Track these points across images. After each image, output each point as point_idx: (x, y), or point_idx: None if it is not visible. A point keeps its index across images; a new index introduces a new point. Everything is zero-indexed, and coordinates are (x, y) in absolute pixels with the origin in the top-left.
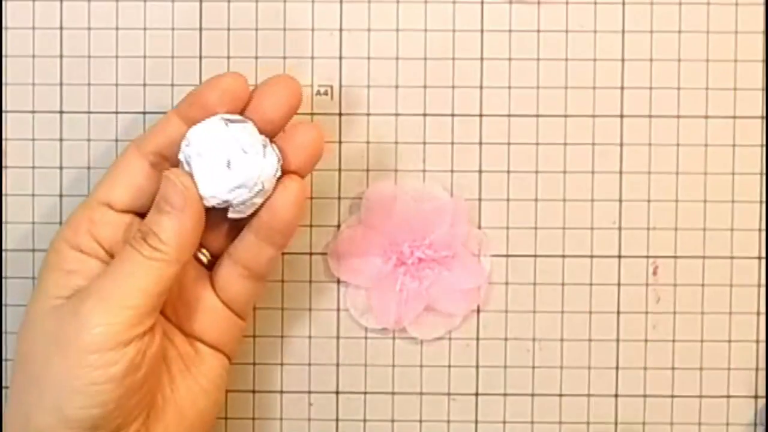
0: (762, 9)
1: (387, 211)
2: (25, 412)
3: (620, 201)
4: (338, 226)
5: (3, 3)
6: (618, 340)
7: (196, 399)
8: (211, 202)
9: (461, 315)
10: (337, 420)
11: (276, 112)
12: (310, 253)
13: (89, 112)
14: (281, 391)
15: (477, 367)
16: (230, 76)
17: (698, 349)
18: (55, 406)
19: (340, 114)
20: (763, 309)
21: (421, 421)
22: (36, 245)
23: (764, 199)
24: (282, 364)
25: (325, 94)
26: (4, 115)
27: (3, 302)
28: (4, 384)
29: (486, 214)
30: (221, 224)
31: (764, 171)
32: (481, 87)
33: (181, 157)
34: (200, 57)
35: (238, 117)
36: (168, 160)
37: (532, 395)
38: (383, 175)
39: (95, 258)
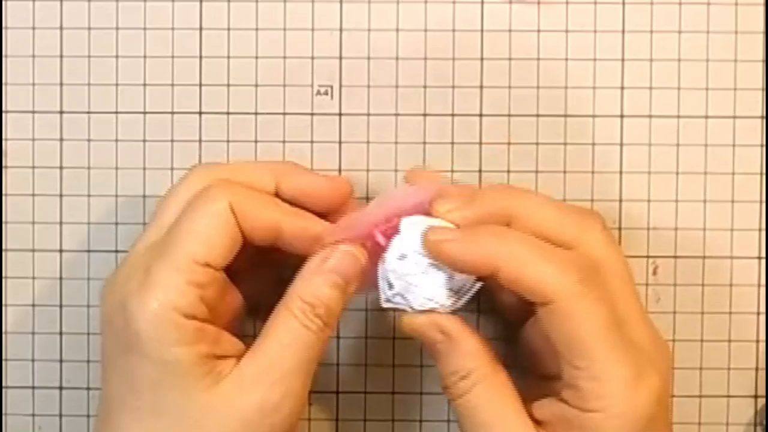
0: (762, 9)
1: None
2: None
3: (620, 201)
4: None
5: (3, 3)
6: None
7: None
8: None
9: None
10: (337, 420)
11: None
12: None
13: (89, 112)
14: None
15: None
16: (341, 182)
17: (698, 349)
18: None
19: (340, 114)
20: (763, 309)
21: (421, 421)
22: (36, 245)
23: (764, 199)
24: None
25: (325, 94)
26: (4, 115)
27: (3, 302)
28: (4, 384)
29: None
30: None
31: (764, 171)
32: (481, 87)
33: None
34: (200, 57)
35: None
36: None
37: None
38: (383, 176)
39: (206, 322)
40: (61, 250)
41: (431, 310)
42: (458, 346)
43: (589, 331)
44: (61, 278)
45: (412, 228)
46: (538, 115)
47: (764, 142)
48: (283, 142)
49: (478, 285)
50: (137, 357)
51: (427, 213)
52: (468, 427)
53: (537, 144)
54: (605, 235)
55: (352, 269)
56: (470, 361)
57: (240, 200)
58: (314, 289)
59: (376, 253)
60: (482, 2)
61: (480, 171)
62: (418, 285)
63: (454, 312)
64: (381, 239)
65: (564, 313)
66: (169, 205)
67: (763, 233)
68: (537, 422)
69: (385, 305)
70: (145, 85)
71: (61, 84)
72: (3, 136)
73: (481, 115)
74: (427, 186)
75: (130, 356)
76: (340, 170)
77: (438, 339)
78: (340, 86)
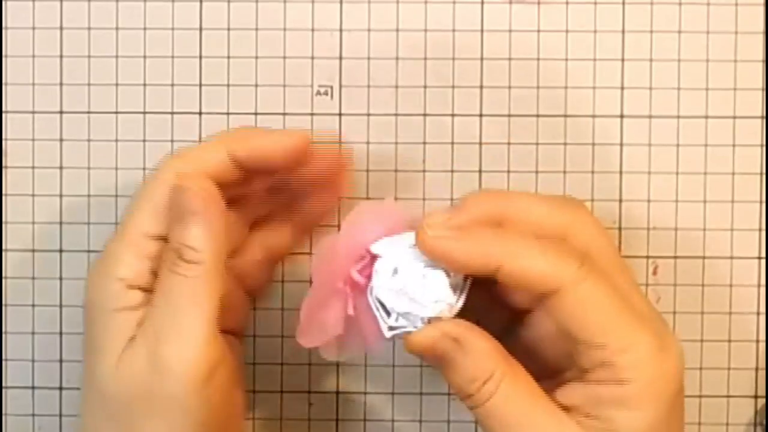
0: (762, 9)
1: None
2: None
3: (620, 201)
4: (338, 227)
5: (3, 3)
6: None
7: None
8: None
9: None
10: (337, 420)
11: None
12: (310, 254)
13: (89, 112)
14: (281, 391)
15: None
16: (299, 137)
17: (698, 349)
18: None
19: (340, 114)
20: (763, 309)
21: (421, 421)
22: (36, 245)
23: (764, 199)
24: (282, 364)
25: (325, 94)
26: (4, 115)
27: (3, 302)
28: (4, 384)
29: None
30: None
31: (764, 171)
32: (481, 87)
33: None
34: (200, 57)
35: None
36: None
37: None
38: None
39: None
40: (61, 250)
41: (438, 318)
42: (473, 349)
43: (603, 308)
44: (61, 278)
45: (390, 245)
46: (538, 115)
47: (764, 142)
48: None
49: (469, 281)
50: (87, 322)
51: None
52: (498, 429)
53: (537, 144)
54: (593, 220)
55: (190, 198)
56: (490, 362)
57: (185, 166)
58: (172, 233)
59: (357, 297)
60: (482, 2)
61: (480, 171)
62: (422, 290)
63: (456, 315)
64: (358, 277)
65: (574, 298)
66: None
67: (763, 233)
68: (565, 409)
69: (389, 335)
70: (145, 85)
71: (61, 84)
72: (3, 136)
73: (481, 115)
74: (385, 214)
75: (85, 322)
76: None
77: (450, 348)
78: (340, 86)
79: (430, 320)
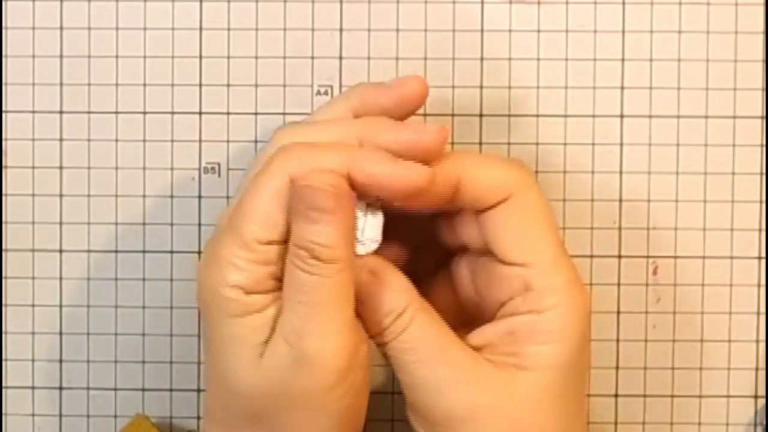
0: (762, 9)
1: None
2: None
3: (620, 201)
4: None
5: (3, 3)
6: (618, 340)
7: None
8: None
9: None
10: None
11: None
12: None
13: (89, 112)
14: None
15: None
16: (425, 176)
17: (698, 349)
18: None
19: None
20: (763, 309)
21: None
22: (36, 245)
23: (764, 199)
24: None
25: (325, 94)
26: (4, 115)
27: (3, 302)
28: (4, 384)
29: None
30: None
31: (764, 171)
32: (481, 87)
33: None
34: (200, 57)
35: None
36: None
37: None
38: None
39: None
40: (61, 250)
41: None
42: (390, 282)
43: (544, 222)
44: (61, 278)
45: None
46: (538, 115)
47: (764, 142)
48: None
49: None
50: (209, 326)
51: None
52: (410, 366)
53: (537, 144)
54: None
55: (320, 197)
56: (404, 297)
57: (301, 169)
58: (300, 232)
59: None
60: (482, 2)
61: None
62: (364, 229)
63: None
64: None
65: (524, 203)
66: (249, 176)
67: (763, 233)
68: (476, 349)
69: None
70: (145, 85)
71: (61, 84)
72: (3, 136)
73: (481, 115)
74: None
75: (206, 326)
76: None
77: (367, 280)
78: (340, 86)
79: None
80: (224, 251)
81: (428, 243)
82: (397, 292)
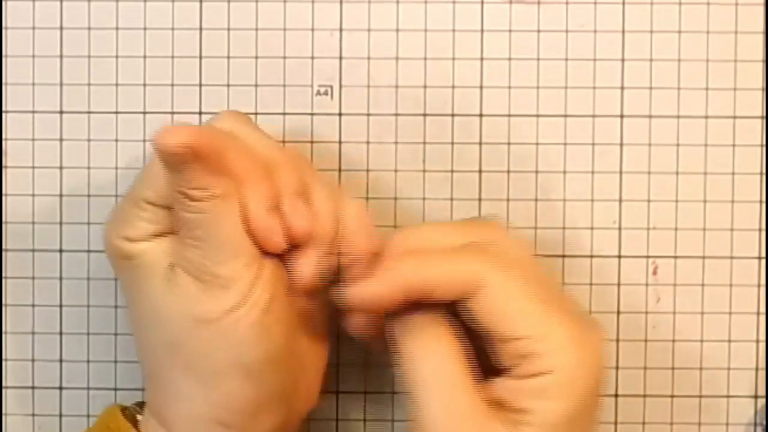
0: (762, 9)
1: None
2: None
3: (620, 201)
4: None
5: (3, 3)
6: (618, 340)
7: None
8: None
9: None
10: (337, 420)
11: None
12: None
13: (89, 112)
14: None
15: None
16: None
17: (698, 349)
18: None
19: (340, 114)
20: (763, 309)
21: None
22: (36, 245)
23: (764, 199)
24: None
25: (325, 94)
26: (4, 115)
27: (3, 302)
28: (4, 384)
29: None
30: None
31: (764, 171)
32: (481, 87)
33: None
34: (200, 57)
35: None
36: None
37: None
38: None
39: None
40: (61, 250)
41: None
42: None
43: (518, 302)
44: (61, 278)
45: None
46: (537, 116)
47: (764, 142)
48: (283, 142)
49: None
50: (117, 270)
51: None
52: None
53: (537, 144)
54: (505, 234)
55: (177, 151)
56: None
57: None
58: (174, 180)
59: None
60: (482, 2)
61: (480, 171)
62: None
63: None
64: None
65: (496, 293)
66: None
67: (763, 233)
68: (489, 403)
69: None
70: (145, 85)
71: (61, 84)
72: (3, 136)
73: (481, 115)
74: None
75: (115, 270)
76: (340, 170)
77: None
78: (340, 86)
79: None
80: (120, 209)
81: None
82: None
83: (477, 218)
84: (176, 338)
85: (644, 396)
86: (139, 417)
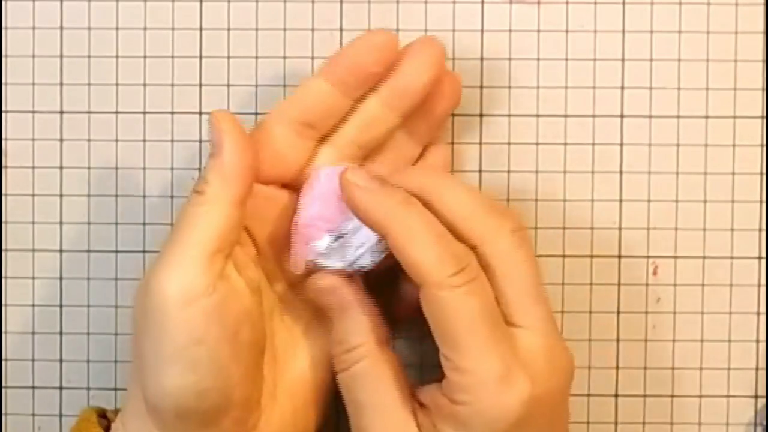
0: (762, 9)
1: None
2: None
3: (620, 201)
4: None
5: (3, 3)
6: (618, 340)
7: (305, 377)
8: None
9: None
10: (336, 419)
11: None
12: None
13: (89, 112)
14: None
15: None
16: (382, 33)
17: (698, 349)
18: (156, 383)
19: None
20: (763, 309)
21: None
22: (36, 245)
23: (764, 199)
24: None
25: None
26: (4, 115)
27: (3, 302)
28: (4, 384)
29: None
30: None
31: (764, 171)
32: (481, 87)
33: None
34: (200, 57)
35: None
36: (314, 127)
37: None
38: None
39: None
40: (61, 250)
41: (360, 267)
42: (349, 318)
43: (459, 323)
44: (61, 278)
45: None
46: (538, 115)
47: (764, 142)
48: None
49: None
50: None
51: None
52: (347, 404)
53: (537, 144)
54: (515, 237)
55: (212, 133)
56: (357, 337)
57: (292, 108)
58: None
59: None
60: (482, 2)
61: (480, 171)
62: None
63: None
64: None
65: (435, 300)
66: None
67: (763, 233)
68: (422, 405)
69: (312, 256)
70: (145, 85)
71: (61, 84)
72: (3, 136)
73: (481, 115)
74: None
75: None
76: None
77: (332, 305)
78: None
79: (351, 264)
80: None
81: None
82: (351, 329)
83: (494, 204)
84: (134, 334)
85: (644, 396)
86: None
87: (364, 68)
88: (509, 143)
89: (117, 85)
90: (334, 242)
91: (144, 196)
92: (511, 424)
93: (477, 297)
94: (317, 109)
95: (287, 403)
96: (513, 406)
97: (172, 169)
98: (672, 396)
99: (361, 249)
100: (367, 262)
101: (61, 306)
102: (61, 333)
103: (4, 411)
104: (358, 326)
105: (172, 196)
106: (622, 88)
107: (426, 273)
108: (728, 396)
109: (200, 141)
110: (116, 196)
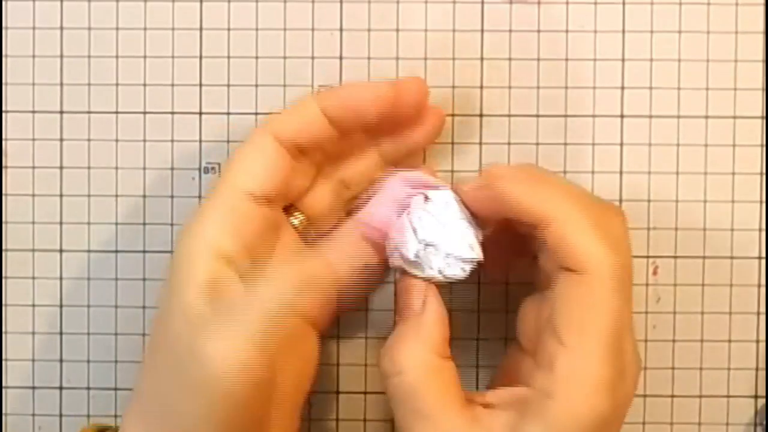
0: (762, 9)
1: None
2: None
3: (620, 201)
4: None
5: (3, 3)
6: None
7: (293, 381)
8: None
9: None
10: (337, 420)
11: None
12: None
13: (89, 112)
14: None
15: (477, 366)
16: (390, 87)
17: (698, 349)
18: None
19: None
20: (763, 309)
21: None
22: (36, 245)
23: (764, 199)
24: None
25: None
26: (4, 115)
27: (3, 302)
28: (4, 384)
29: None
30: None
31: (764, 171)
32: (481, 87)
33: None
34: (200, 57)
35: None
36: (303, 152)
37: None
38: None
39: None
40: (61, 250)
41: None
42: (420, 326)
43: (599, 313)
44: (61, 278)
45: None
46: (538, 115)
47: (764, 142)
48: None
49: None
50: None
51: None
52: (401, 413)
53: (537, 144)
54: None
55: None
56: (420, 345)
57: (283, 128)
58: None
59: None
60: (482, 2)
61: (480, 171)
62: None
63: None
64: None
65: (593, 285)
66: None
67: (763, 233)
68: (489, 406)
69: (411, 255)
70: (145, 85)
71: (61, 84)
72: (3, 136)
73: (481, 115)
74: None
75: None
76: None
77: (413, 310)
78: None
79: (440, 272)
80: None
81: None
82: (415, 342)
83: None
84: None
85: (644, 396)
86: None
87: (363, 114)
88: (509, 143)
89: (117, 85)
90: (423, 250)
91: (144, 196)
92: (597, 427)
93: (622, 295)
94: (310, 137)
95: None
96: (605, 413)
97: (172, 169)
98: (672, 396)
99: (449, 258)
100: (456, 271)
101: (61, 306)
102: (61, 333)
103: (4, 411)
104: (422, 339)
105: (172, 196)
106: (622, 88)
107: (595, 262)
108: (728, 396)
109: (200, 141)
110: (116, 196)
